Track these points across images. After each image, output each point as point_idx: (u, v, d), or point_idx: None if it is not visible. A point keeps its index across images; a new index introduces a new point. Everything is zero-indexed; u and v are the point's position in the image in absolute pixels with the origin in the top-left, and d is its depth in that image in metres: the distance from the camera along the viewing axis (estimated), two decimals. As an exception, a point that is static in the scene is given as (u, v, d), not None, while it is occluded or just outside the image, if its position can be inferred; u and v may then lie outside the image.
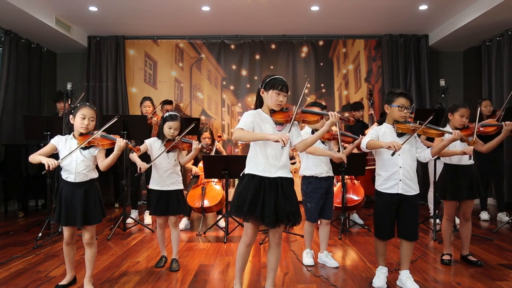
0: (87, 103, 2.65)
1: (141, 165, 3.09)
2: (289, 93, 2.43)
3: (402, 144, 2.52)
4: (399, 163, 2.65)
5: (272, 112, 2.42)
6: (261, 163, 2.35)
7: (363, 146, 2.72)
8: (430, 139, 3.19)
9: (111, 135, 2.64)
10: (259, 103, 2.48)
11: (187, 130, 3.18)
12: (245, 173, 2.40)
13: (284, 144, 2.17)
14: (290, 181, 2.41)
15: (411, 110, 2.73)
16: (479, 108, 3.34)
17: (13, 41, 5.74)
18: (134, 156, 3.18)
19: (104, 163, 2.60)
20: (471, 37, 6.16)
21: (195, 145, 3.08)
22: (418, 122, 2.71)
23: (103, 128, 2.62)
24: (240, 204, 2.31)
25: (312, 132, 3.23)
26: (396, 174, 2.65)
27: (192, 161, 4.95)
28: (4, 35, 5.66)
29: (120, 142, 2.55)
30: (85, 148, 2.57)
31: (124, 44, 6.76)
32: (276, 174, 2.35)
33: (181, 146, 3.16)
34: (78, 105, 2.64)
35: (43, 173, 2.50)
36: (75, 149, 2.52)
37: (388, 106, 2.73)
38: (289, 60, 6.81)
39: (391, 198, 2.67)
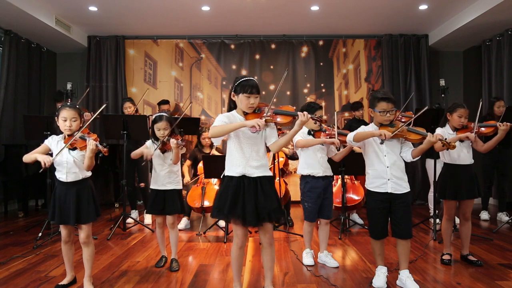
0: (68, 104, 2.66)
1: (147, 153, 3.08)
2: (262, 92, 2.42)
3: (392, 135, 2.57)
4: (386, 162, 2.66)
5: (245, 114, 2.41)
6: (239, 164, 2.36)
7: (349, 139, 2.73)
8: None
9: (87, 136, 2.60)
10: (232, 105, 2.47)
11: (171, 129, 3.12)
12: (225, 175, 2.42)
13: (259, 128, 2.19)
14: (269, 179, 2.42)
15: (394, 111, 2.72)
16: (479, 107, 3.31)
17: (13, 41, 5.74)
18: (136, 152, 3.17)
19: (84, 165, 2.61)
20: (471, 37, 6.16)
21: (172, 143, 3.00)
22: (401, 124, 2.71)
23: (81, 129, 2.61)
24: (221, 205, 2.34)
25: (309, 133, 3.23)
26: (384, 173, 2.66)
27: (187, 167, 4.95)
28: (4, 35, 5.66)
29: (90, 145, 2.51)
30: (73, 148, 2.60)
31: (124, 44, 6.76)
32: (254, 174, 2.36)
33: (167, 145, 3.12)
34: (59, 107, 2.67)
35: (40, 171, 2.55)
36: (61, 150, 2.56)
37: (371, 110, 2.76)
38: (289, 60, 6.80)
39: (382, 196, 2.68)
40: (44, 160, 2.45)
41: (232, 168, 2.38)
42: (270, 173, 2.45)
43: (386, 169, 2.66)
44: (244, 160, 2.36)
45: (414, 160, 2.68)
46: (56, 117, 2.66)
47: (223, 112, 6.90)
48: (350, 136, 2.74)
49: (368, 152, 2.76)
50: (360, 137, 2.69)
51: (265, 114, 2.36)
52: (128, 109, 5.11)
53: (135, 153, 3.17)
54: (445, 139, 2.64)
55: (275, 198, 2.40)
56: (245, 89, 2.34)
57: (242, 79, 2.38)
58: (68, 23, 6.05)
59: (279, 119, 2.42)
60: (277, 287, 2.77)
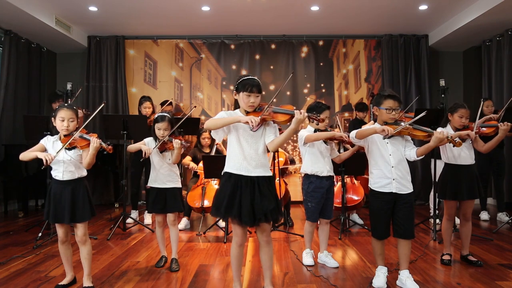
0: (65, 104, 2.70)
1: (146, 149, 3.08)
2: (262, 92, 2.42)
3: (395, 132, 2.56)
4: (391, 162, 2.66)
5: (247, 112, 2.42)
6: (238, 161, 2.37)
7: (352, 136, 2.73)
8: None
9: (87, 135, 2.64)
10: (238, 106, 2.48)
11: (172, 130, 3.18)
12: (224, 171, 2.43)
13: (253, 125, 2.21)
14: (267, 179, 2.41)
15: (399, 109, 2.72)
16: (481, 106, 3.32)
17: (13, 41, 5.74)
18: (134, 146, 3.20)
19: (85, 162, 2.64)
20: (471, 37, 6.16)
21: (176, 144, 3.05)
22: (406, 122, 2.70)
23: (80, 129, 2.64)
24: (218, 204, 2.37)
25: (315, 131, 3.23)
26: (389, 173, 2.66)
27: (190, 157, 4.99)
28: (4, 35, 5.66)
29: (94, 143, 2.57)
30: (70, 148, 2.63)
31: (124, 44, 6.76)
32: (253, 173, 2.36)
33: (167, 145, 3.16)
34: (57, 107, 2.69)
35: (42, 168, 2.53)
36: (61, 149, 2.58)
37: (377, 108, 2.75)
38: (289, 60, 6.81)
39: (386, 197, 2.67)
40: (46, 157, 2.47)
41: (231, 165, 2.39)
42: (270, 173, 2.44)
43: (391, 169, 2.65)
44: (242, 158, 2.36)
45: (418, 159, 2.68)
46: (53, 117, 2.67)
47: (223, 112, 6.96)
48: (353, 133, 2.72)
49: (372, 151, 2.74)
50: (363, 134, 2.67)
51: (263, 112, 2.36)
52: (147, 109, 5.07)
53: (132, 147, 3.21)
54: (451, 136, 2.63)
55: (273, 198, 2.38)
56: (245, 88, 2.35)
57: (244, 78, 2.40)
58: (68, 23, 6.05)
59: (277, 117, 2.40)
60: (277, 287, 2.77)
